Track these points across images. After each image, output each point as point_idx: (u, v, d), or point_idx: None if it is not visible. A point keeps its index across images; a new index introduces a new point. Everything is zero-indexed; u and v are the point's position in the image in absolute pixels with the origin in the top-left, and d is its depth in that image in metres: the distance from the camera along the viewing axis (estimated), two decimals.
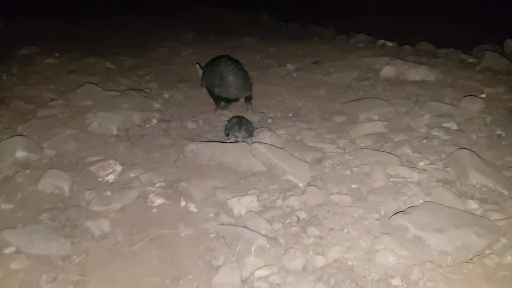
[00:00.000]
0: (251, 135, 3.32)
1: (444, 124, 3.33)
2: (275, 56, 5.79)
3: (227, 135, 3.33)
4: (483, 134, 3.19)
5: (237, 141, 3.22)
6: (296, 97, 4.30)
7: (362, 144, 3.14)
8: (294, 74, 4.95)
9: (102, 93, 4.14)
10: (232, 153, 2.98)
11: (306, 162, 2.87)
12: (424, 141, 3.11)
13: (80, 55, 5.72)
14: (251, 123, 3.43)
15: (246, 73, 3.92)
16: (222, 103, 3.97)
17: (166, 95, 4.49)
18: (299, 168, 2.77)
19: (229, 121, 3.46)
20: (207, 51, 6.15)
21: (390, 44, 5.92)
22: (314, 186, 2.59)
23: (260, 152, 2.86)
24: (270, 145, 2.97)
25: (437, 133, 3.20)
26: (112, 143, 3.34)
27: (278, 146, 3.02)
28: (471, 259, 1.98)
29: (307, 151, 3.04)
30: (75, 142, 3.30)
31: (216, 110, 4.03)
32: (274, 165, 2.79)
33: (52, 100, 4.13)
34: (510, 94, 3.97)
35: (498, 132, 3.23)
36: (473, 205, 2.36)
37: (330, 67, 5.00)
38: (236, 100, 3.87)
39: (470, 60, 5.21)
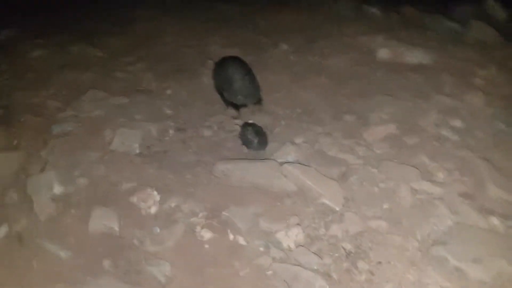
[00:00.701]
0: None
1: (450, 122, 3.57)
2: (266, 31, 5.76)
3: (251, 147, 3.52)
4: (488, 131, 3.48)
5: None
6: (299, 87, 4.39)
7: (379, 151, 3.36)
8: (291, 57, 5.00)
9: (109, 101, 4.14)
10: (263, 174, 3.13)
11: (334, 180, 3.07)
12: (436, 143, 3.37)
13: (64, 39, 5.57)
14: (261, 128, 3.61)
15: (254, 77, 3.98)
16: (231, 107, 4.06)
17: (168, 92, 4.46)
18: (331, 189, 2.97)
19: (246, 130, 3.58)
20: (192, 25, 6.09)
21: (377, 12, 6.00)
22: (350, 211, 2.82)
23: (292, 175, 3.04)
24: (298, 163, 3.16)
25: (445, 133, 3.46)
26: (139, 164, 3.41)
27: (304, 163, 3.20)
28: (504, 285, 2.30)
29: (331, 165, 3.22)
30: (103, 166, 3.36)
31: (226, 110, 4.11)
32: (308, 188, 2.98)
33: (59, 109, 4.12)
34: (502, 75, 4.24)
35: (501, 127, 3.51)
36: (495, 221, 2.66)
37: (325, 47, 5.08)
38: (244, 106, 3.98)
39: (456, 28, 5.40)
